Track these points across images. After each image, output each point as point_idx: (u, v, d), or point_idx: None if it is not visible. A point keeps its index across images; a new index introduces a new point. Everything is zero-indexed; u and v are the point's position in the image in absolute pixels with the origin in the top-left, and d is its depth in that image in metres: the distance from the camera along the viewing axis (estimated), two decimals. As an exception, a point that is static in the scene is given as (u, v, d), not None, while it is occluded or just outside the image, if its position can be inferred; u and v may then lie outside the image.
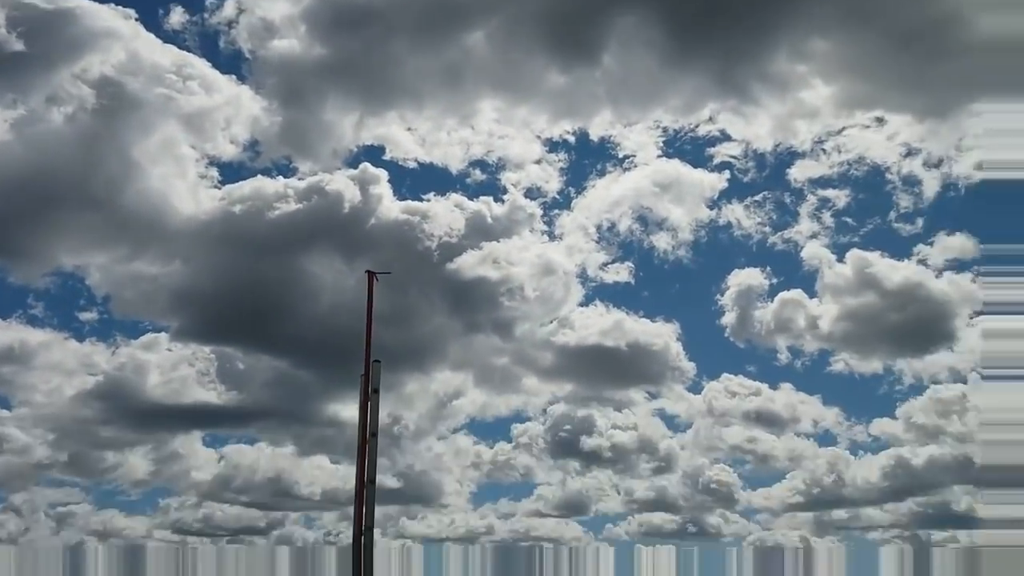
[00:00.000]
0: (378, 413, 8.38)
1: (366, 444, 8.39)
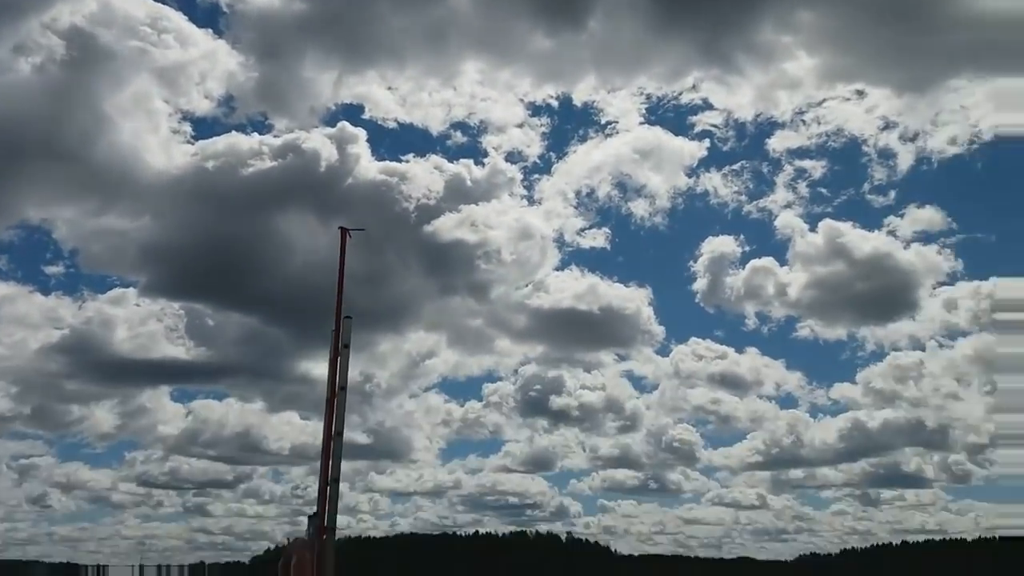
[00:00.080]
0: (347, 368, 8.48)
1: (335, 398, 8.49)
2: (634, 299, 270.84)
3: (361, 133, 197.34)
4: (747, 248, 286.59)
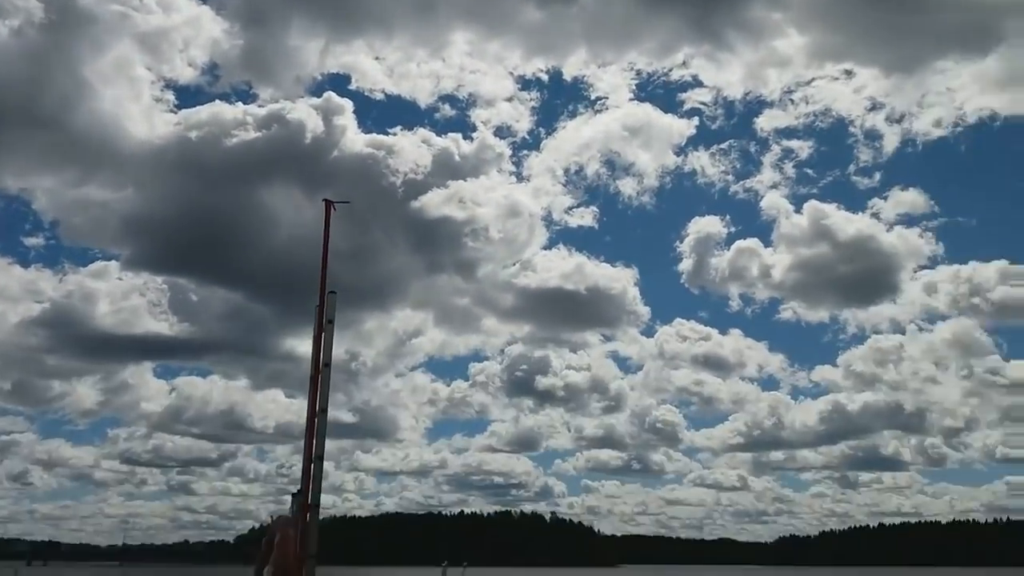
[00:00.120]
0: (332, 344, 8.37)
1: (319, 374, 8.40)
2: (620, 279, 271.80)
3: (347, 104, 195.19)
4: (733, 229, 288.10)
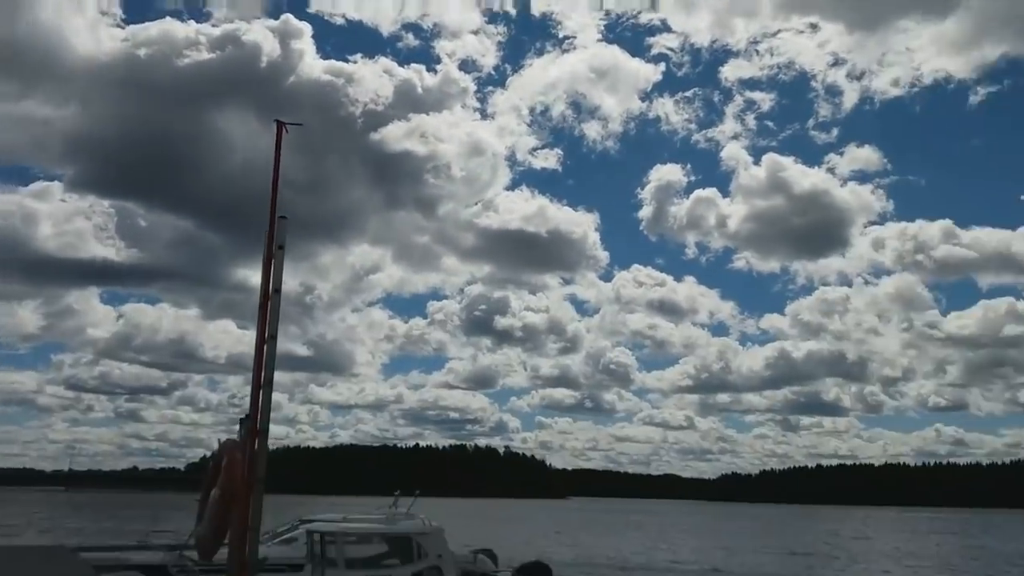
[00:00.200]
0: (282, 270, 8.27)
1: (268, 301, 8.31)
2: (582, 224, 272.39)
3: (306, 28, 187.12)
4: (693, 178, 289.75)
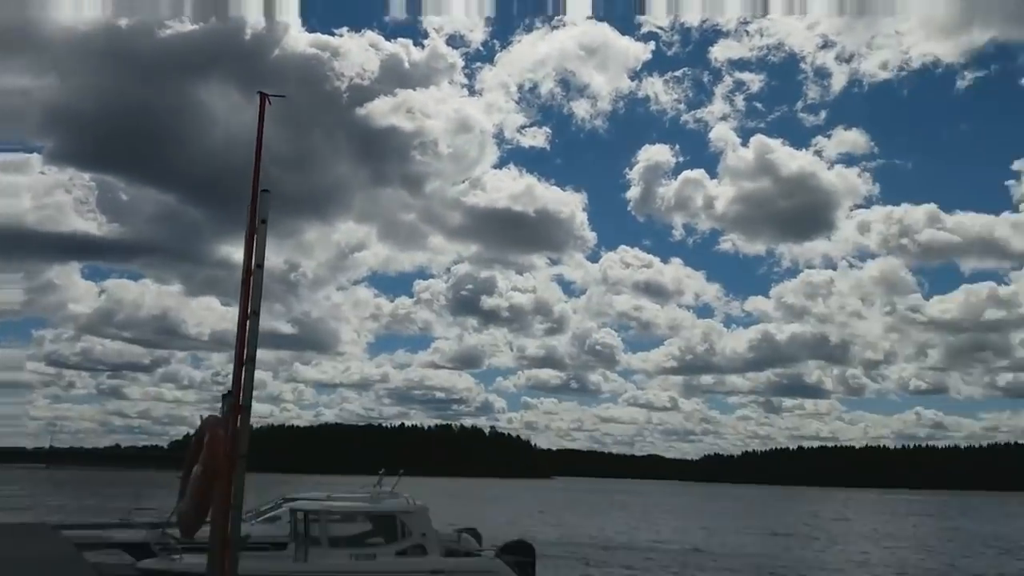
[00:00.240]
0: (264, 244, 8.11)
1: (251, 276, 8.15)
2: (570, 203, 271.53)
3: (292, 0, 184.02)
4: (681, 159, 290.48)
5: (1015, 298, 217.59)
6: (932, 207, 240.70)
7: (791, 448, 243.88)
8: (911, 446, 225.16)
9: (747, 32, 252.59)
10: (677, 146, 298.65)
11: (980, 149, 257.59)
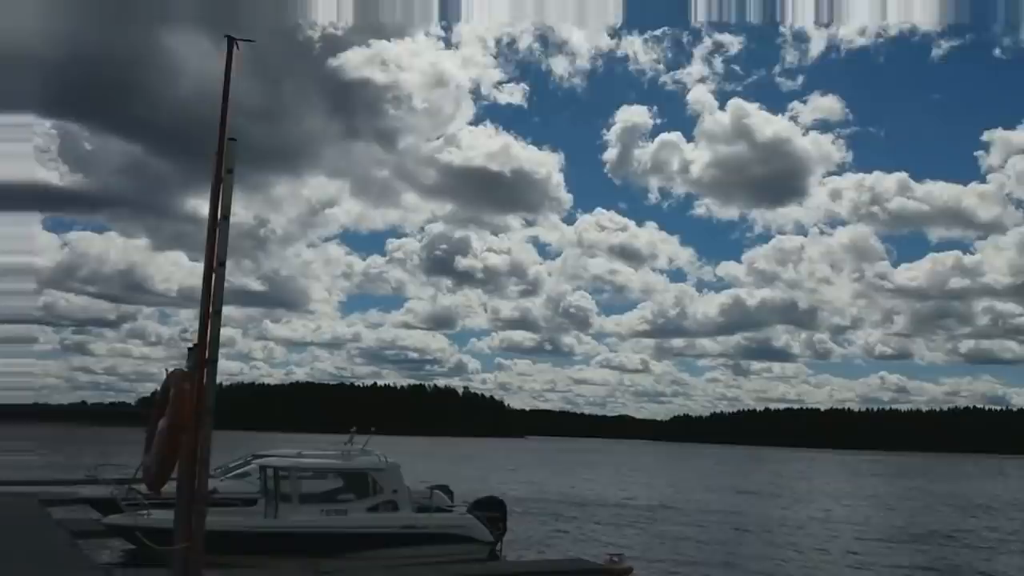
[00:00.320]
0: (231, 194, 7.88)
1: (216, 227, 7.93)
2: (546, 164, 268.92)
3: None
4: (658, 121, 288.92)
5: (979, 267, 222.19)
6: (903, 175, 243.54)
7: (758, 410, 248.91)
8: (875, 409, 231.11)
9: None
10: (655, 108, 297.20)
11: (952, 119, 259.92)
